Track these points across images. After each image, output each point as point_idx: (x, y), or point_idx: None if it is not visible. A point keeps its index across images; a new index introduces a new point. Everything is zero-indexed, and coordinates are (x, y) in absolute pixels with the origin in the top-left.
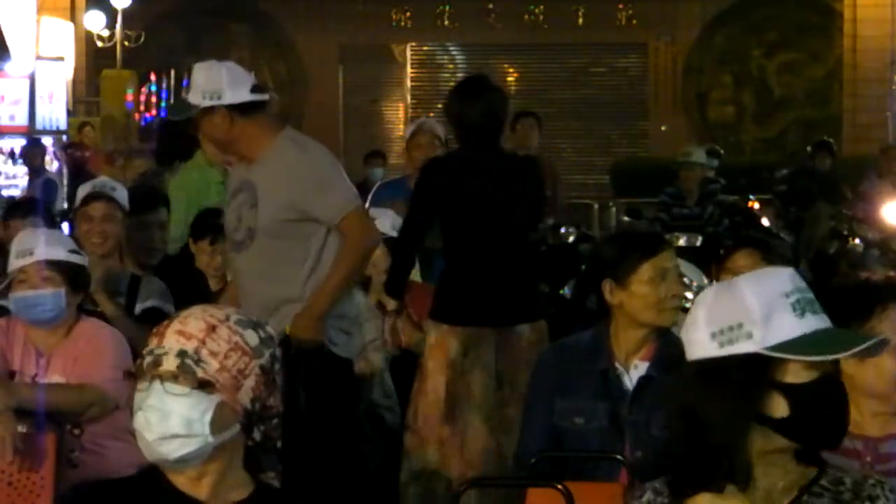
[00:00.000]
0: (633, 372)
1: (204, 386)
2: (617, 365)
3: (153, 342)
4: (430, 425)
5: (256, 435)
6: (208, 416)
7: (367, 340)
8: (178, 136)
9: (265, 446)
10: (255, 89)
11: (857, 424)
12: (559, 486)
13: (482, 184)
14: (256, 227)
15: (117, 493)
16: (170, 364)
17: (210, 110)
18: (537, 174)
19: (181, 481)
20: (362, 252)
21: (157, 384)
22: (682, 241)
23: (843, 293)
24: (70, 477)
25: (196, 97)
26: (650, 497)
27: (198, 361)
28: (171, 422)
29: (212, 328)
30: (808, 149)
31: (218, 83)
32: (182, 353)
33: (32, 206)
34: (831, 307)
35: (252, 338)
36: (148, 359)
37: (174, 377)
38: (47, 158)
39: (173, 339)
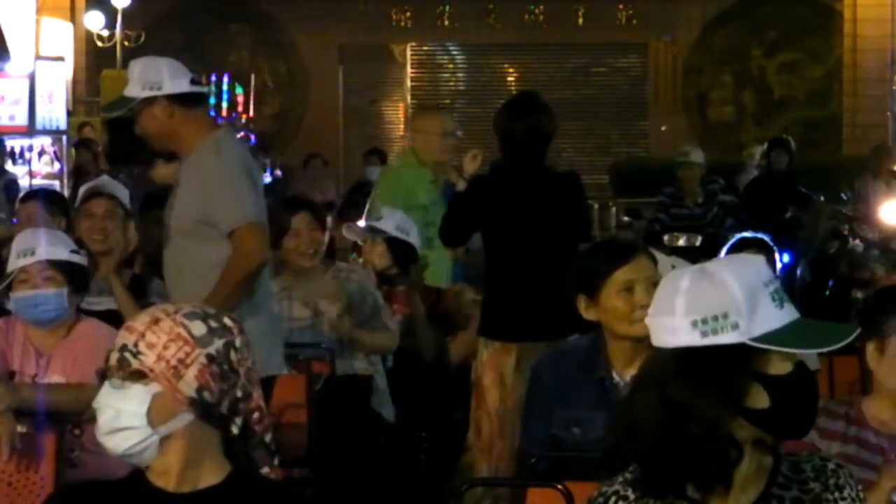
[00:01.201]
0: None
1: (138, 377)
2: (614, 374)
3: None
4: (490, 441)
5: (234, 428)
6: (144, 408)
7: (379, 309)
8: (126, 137)
9: (251, 441)
10: (194, 82)
11: (883, 423)
12: (559, 486)
13: (527, 200)
14: (171, 225)
15: (101, 493)
16: (112, 359)
17: (150, 101)
18: (579, 189)
19: (151, 475)
20: (245, 269)
21: (107, 381)
22: (681, 241)
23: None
24: (70, 476)
25: (134, 89)
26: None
27: (136, 354)
28: (115, 416)
29: (155, 321)
30: (764, 146)
31: (158, 74)
32: (123, 348)
33: (37, 194)
34: (870, 309)
35: (198, 328)
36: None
37: (115, 371)
38: (46, 158)
39: (120, 335)
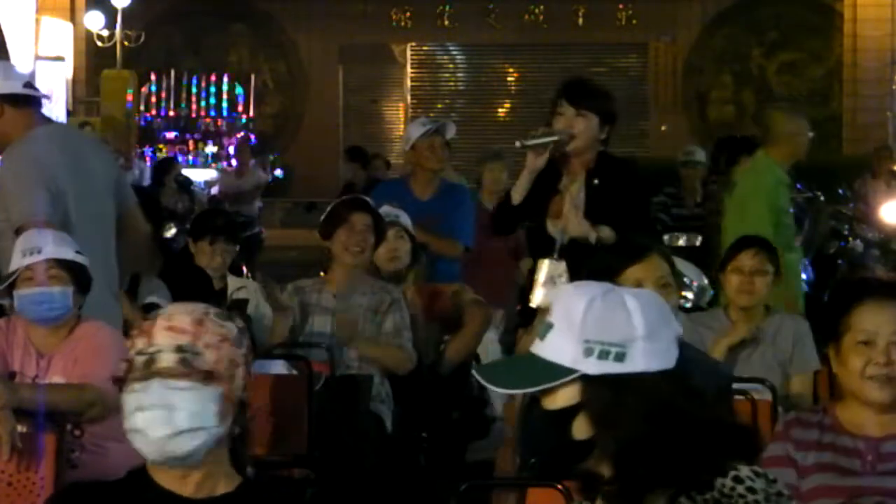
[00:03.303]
0: None
1: (207, 378)
2: None
3: (140, 342)
4: None
5: (237, 429)
6: (215, 408)
7: (402, 328)
8: None
9: (245, 441)
10: (28, 86)
11: (858, 426)
12: (559, 486)
13: None
14: None
15: (104, 494)
16: (168, 360)
17: None
18: None
19: (166, 479)
20: None
21: (155, 382)
22: (682, 241)
23: (833, 290)
24: (70, 477)
25: None
26: None
27: (196, 354)
28: (178, 417)
29: (199, 322)
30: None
31: None
32: (179, 349)
33: None
34: (825, 303)
35: (231, 329)
36: (140, 358)
37: (176, 373)
38: None
39: (165, 336)
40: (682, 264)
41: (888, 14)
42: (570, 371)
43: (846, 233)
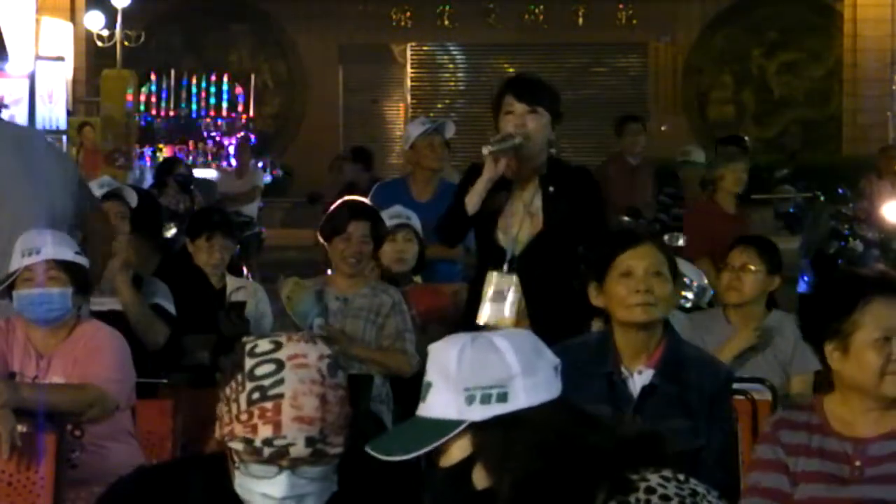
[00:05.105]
0: (638, 378)
1: (335, 457)
2: (622, 369)
3: (265, 429)
4: None
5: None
6: (335, 474)
7: (404, 331)
8: None
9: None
10: None
11: (847, 424)
12: None
13: None
14: None
15: (181, 483)
16: (300, 452)
17: None
18: None
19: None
20: None
21: (285, 474)
22: (681, 241)
23: (830, 286)
24: (70, 477)
25: None
26: None
27: (325, 440)
28: (306, 502)
29: (323, 400)
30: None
31: None
32: (311, 441)
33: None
34: (821, 299)
35: (342, 379)
36: (268, 450)
37: (308, 463)
38: None
39: (294, 428)
40: (682, 264)
41: (888, 14)
42: (458, 423)
43: (846, 233)
